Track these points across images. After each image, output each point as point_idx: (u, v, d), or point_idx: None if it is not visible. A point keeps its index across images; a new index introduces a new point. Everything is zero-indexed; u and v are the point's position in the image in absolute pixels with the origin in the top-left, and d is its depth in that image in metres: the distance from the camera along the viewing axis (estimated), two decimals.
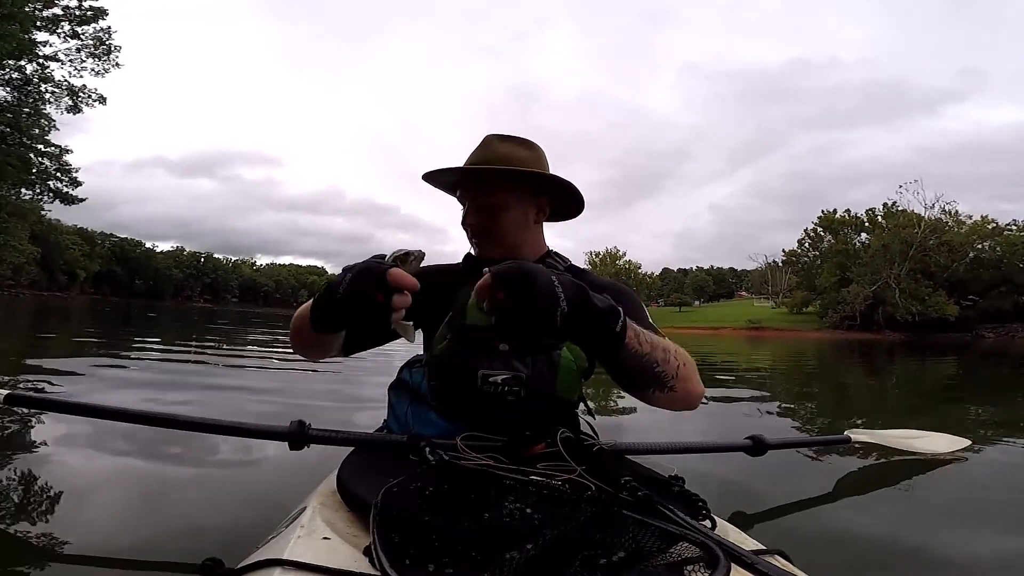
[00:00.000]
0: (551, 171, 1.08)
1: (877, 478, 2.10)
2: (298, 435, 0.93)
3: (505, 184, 1.04)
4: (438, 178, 1.11)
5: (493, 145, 1.07)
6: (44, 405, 1.13)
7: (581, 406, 1.08)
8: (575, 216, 1.17)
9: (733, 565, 0.48)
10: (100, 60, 19.96)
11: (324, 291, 0.75)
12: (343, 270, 0.73)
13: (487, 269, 0.69)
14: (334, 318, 0.74)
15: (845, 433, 1.82)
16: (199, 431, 1.02)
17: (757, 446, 1.32)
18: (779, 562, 0.61)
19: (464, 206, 1.09)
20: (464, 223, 1.09)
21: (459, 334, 0.93)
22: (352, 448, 0.89)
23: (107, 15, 19.59)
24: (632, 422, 3.04)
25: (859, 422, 3.53)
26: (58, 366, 3.86)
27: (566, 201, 1.12)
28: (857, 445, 1.85)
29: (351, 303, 0.70)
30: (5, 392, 1.18)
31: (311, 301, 0.82)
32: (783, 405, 4.23)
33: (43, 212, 27.01)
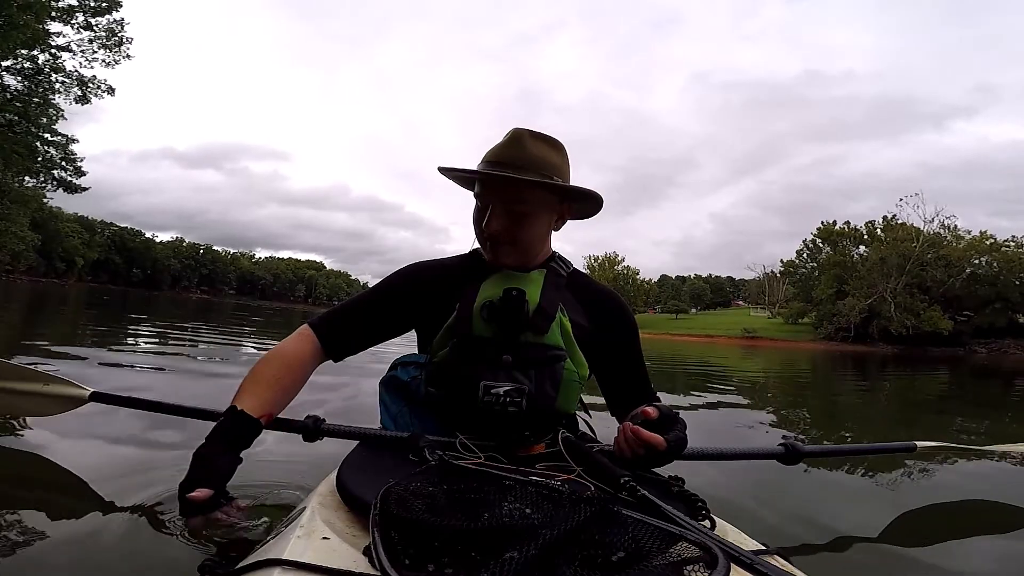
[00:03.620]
0: (571, 167, 1.04)
1: (874, 478, 2.11)
2: (312, 429, 1.01)
3: (536, 191, 0.98)
4: (458, 173, 1.04)
5: (526, 143, 0.98)
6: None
7: (579, 407, 1.07)
8: (589, 217, 1.12)
9: (732, 565, 0.48)
10: (111, 51, 19.84)
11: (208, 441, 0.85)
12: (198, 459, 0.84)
13: (666, 438, 0.82)
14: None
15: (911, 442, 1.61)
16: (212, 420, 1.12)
17: (791, 454, 1.24)
18: (778, 562, 0.61)
19: (482, 204, 1.01)
20: (482, 225, 1.01)
21: (463, 343, 0.93)
22: (352, 448, 0.90)
23: (121, 6, 19.54)
24: None
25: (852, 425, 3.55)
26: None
27: (586, 207, 1.08)
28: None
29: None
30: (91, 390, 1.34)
31: (227, 419, 0.89)
32: (776, 410, 4.24)
33: (45, 200, 26.91)
